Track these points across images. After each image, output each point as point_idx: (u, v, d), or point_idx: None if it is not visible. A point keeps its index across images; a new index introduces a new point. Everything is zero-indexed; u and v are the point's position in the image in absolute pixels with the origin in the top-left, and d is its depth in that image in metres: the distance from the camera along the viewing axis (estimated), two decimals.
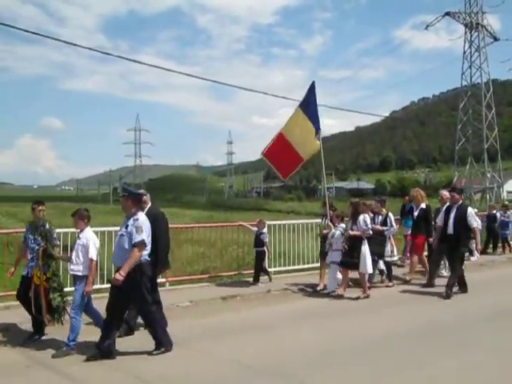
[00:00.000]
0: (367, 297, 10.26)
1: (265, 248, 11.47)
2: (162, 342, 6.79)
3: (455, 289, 10.67)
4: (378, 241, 11.18)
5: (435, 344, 7.12)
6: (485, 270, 14.71)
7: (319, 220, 12.61)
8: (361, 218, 10.40)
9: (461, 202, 11.01)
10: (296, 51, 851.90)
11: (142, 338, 7.21)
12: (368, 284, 10.58)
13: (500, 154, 46.16)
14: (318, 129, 11.30)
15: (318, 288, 11.00)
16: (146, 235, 6.65)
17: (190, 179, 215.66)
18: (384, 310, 9.55)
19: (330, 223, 10.98)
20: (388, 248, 11.82)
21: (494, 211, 17.98)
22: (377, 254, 11.12)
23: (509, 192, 78.03)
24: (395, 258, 12.70)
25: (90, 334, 7.13)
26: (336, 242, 10.61)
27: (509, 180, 79.22)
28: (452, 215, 10.77)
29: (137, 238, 6.56)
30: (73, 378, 5.99)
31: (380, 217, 11.73)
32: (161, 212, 8.06)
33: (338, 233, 10.64)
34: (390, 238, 12.03)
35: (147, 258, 6.79)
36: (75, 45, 14.38)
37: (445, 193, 12.25)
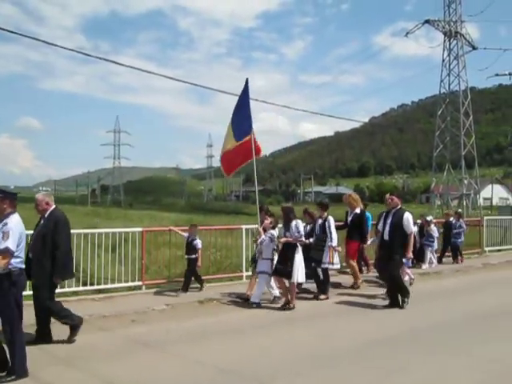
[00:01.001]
0: (291, 308, 9.64)
1: (197, 255, 10.75)
2: (15, 369, 5.85)
3: (385, 302, 10.29)
4: (320, 247, 10.81)
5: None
6: (458, 275, 14.87)
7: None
8: (293, 223, 9.78)
9: (399, 206, 10.41)
10: (276, 55, 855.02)
11: (110, 343, 7.14)
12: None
13: (477, 160, 46.66)
14: (249, 128, 10.95)
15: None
16: (12, 242, 5.85)
17: (169, 182, 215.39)
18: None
19: (260, 229, 10.30)
20: (326, 254, 10.87)
21: (451, 219, 17.12)
22: (316, 262, 10.73)
23: (485, 199, 79.08)
24: (335, 267, 11.31)
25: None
26: (265, 250, 9.99)
27: (486, 187, 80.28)
28: (389, 221, 10.27)
29: (1, 245, 5.81)
30: (45, 382, 5.91)
31: (320, 220, 11.09)
32: (64, 216, 7.33)
33: (267, 240, 9.93)
34: (331, 244, 10.94)
35: (19, 266, 6.03)
36: (55, 45, 14.24)
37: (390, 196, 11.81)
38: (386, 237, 10.18)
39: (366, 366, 6.48)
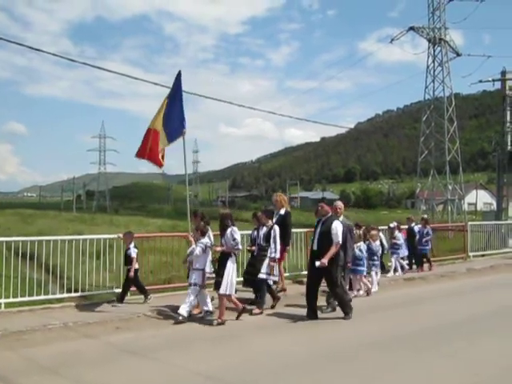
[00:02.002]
0: (222, 323, 8.99)
1: (131, 266, 10.13)
2: None
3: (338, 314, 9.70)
4: (261, 257, 10.07)
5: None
6: (444, 280, 14.97)
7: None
8: (228, 231, 9.29)
9: (330, 214, 9.81)
10: (263, 61, 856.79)
11: (95, 350, 7.11)
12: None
13: (461, 166, 46.92)
14: (180, 126, 10.06)
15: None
16: None
17: (154, 187, 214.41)
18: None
19: (190, 238, 9.66)
20: (266, 265, 10.03)
21: (413, 224, 16.46)
22: (254, 272, 10.01)
23: (470, 204, 79.69)
24: (273, 278, 10.26)
25: None
26: (196, 260, 9.40)
27: (470, 192, 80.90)
28: (318, 230, 9.68)
29: None
30: None
31: (264, 228, 10.26)
32: None
33: (198, 250, 9.29)
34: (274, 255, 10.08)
35: None
36: (40, 50, 14.17)
37: (340, 203, 11.06)
38: (315, 247, 9.59)
39: None
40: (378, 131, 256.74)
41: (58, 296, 10.15)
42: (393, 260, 15.12)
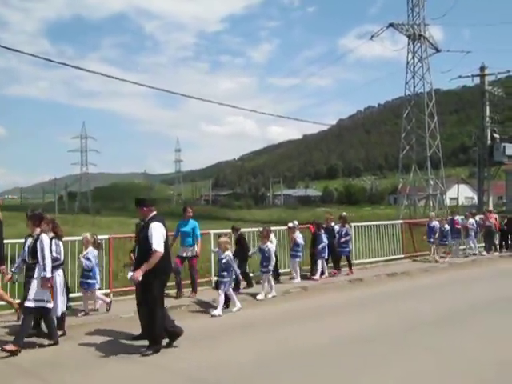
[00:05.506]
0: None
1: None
2: None
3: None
4: (28, 277, 8.17)
5: None
6: (428, 275, 15.08)
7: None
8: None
9: (152, 214, 7.73)
10: (244, 59, 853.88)
11: (78, 353, 7.04)
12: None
13: (443, 161, 47.37)
14: None
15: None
16: None
17: (137, 187, 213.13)
18: None
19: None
20: (35, 288, 7.68)
21: (332, 223, 14.96)
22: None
23: (452, 198, 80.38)
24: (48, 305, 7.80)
25: None
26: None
27: (452, 187, 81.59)
28: (141, 235, 7.77)
29: None
30: None
31: (29, 239, 8.07)
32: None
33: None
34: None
35: None
36: (17, 51, 14.02)
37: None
38: (137, 255, 7.83)
39: None
40: (359, 128, 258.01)
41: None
42: (295, 265, 13.52)
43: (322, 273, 13.92)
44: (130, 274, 7.46)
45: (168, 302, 9.12)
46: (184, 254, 11.54)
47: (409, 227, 18.97)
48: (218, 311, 9.85)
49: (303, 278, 13.62)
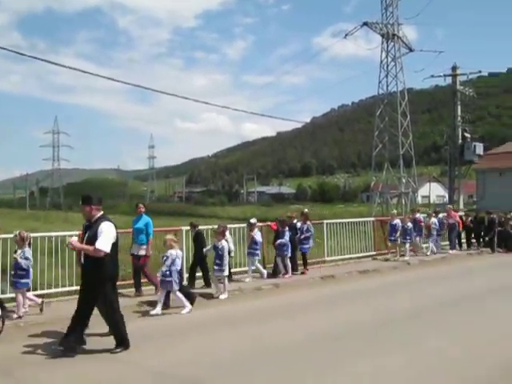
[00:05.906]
0: None
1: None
2: None
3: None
4: None
5: None
6: (397, 272, 15.26)
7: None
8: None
9: (99, 214, 7.42)
10: (218, 55, 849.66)
11: (47, 351, 6.97)
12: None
13: (415, 159, 47.81)
14: None
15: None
16: None
17: (110, 183, 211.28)
18: None
19: None
20: None
21: (295, 221, 14.86)
22: None
23: (424, 196, 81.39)
24: None
25: None
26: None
27: (424, 185, 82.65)
28: (86, 236, 7.40)
29: None
30: None
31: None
32: None
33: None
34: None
35: None
36: None
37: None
38: (83, 260, 7.39)
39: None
40: (333, 126, 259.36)
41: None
42: (256, 263, 13.42)
43: (286, 272, 13.71)
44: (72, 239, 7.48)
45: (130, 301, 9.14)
46: (136, 253, 11.31)
47: (380, 225, 19.13)
48: (156, 310, 9.57)
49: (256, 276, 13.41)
